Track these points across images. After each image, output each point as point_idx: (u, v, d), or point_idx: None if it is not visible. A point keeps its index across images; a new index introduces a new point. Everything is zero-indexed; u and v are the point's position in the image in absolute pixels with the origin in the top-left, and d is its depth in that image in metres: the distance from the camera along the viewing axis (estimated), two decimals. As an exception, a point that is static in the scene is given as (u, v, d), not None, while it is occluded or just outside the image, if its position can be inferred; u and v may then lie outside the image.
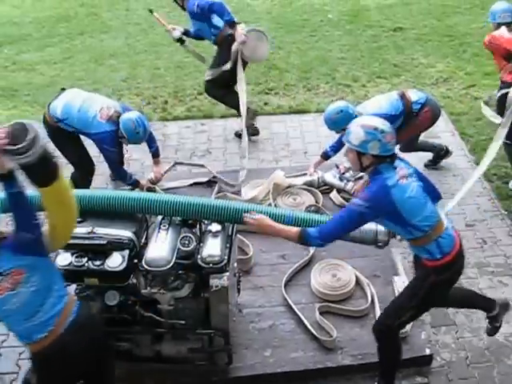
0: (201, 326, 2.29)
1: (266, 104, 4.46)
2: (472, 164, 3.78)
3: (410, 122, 3.21)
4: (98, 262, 2.16)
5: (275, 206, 3.19)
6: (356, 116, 3.05)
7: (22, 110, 4.46)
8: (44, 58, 5.27)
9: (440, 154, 3.74)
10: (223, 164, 3.81)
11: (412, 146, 3.50)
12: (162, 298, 2.25)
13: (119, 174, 3.19)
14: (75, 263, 2.16)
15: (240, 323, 2.55)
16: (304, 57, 5.16)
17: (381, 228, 2.22)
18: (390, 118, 3.03)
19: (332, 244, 2.94)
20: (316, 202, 3.21)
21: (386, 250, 2.98)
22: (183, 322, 2.27)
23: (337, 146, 3.32)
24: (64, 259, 2.18)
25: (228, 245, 2.26)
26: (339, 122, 3.07)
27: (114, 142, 2.99)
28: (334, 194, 3.27)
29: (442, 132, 4.12)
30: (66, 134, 3.07)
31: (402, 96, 3.17)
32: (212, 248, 2.19)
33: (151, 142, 3.29)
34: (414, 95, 3.23)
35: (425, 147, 3.68)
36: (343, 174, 3.34)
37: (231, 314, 2.36)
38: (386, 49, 5.31)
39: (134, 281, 2.24)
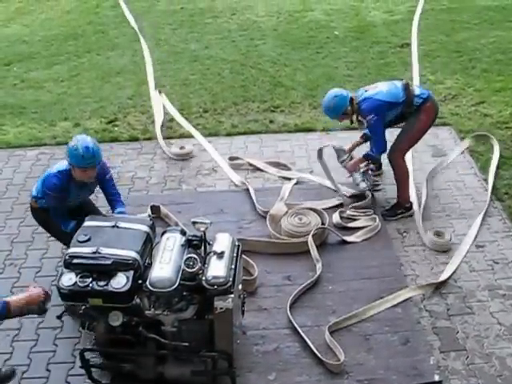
0: (204, 348, 2.32)
1: (271, 122, 4.54)
2: (482, 183, 3.81)
3: (411, 118, 3.33)
4: (102, 283, 2.21)
5: (280, 226, 3.26)
6: (351, 99, 3.31)
7: (30, 127, 4.59)
8: (52, 75, 5.43)
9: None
10: (228, 183, 3.89)
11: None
12: (166, 319, 2.30)
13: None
14: (80, 283, 2.22)
15: (244, 346, 2.58)
16: (310, 74, 5.26)
17: None
18: (387, 104, 3.25)
19: (339, 266, 3.02)
20: (322, 222, 3.27)
21: (394, 271, 3.02)
22: (187, 343, 2.31)
23: None
24: (68, 279, 2.24)
25: (233, 266, 2.31)
26: (337, 107, 3.34)
27: (60, 184, 2.66)
28: (335, 215, 3.34)
29: (450, 150, 4.16)
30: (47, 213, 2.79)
31: (406, 87, 3.29)
32: (217, 269, 2.25)
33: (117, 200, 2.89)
34: (417, 89, 3.37)
35: None
36: (365, 171, 3.48)
37: (235, 336, 2.40)
38: (394, 65, 5.38)
39: (138, 301, 2.29)
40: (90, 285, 2.21)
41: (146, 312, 2.29)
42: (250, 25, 6.39)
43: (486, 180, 3.80)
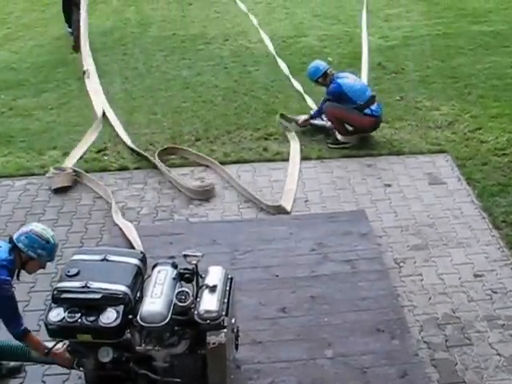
0: (197, 384, 2.40)
1: (265, 150, 4.70)
2: (479, 211, 3.96)
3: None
4: (91, 318, 2.28)
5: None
6: (326, 73, 4.69)
7: (18, 156, 4.71)
8: (40, 103, 5.61)
9: None
10: (221, 213, 4.02)
11: None
12: (158, 354, 2.37)
13: None
14: (68, 319, 2.29)
15: (238, 380, 2.64)
16: (304, 101, 5.48)
17: None
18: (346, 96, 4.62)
19: (334, 298, 3.13)
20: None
21: (390, 302, 3.13)
22: (179, 379, 2.38)
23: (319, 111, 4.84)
24: (57, 314, 2.31)
25: (225, 300, 2.41)
26: (310, 75, 4.84)
27: None
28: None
29: (447, 178, 4.33)
30: None
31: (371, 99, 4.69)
32: (209, 303, 2.34)
33: None
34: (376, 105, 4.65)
35: None
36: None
37: (229, 370, 2.47)
38: (388, 91, 5.63)
39: (129, 337, 2.37)
40: (79, 320, 2.27)
41: (137, 347, 2.36)
42: (242, 51, 6.65)
43: (483, 208, 3.96)
